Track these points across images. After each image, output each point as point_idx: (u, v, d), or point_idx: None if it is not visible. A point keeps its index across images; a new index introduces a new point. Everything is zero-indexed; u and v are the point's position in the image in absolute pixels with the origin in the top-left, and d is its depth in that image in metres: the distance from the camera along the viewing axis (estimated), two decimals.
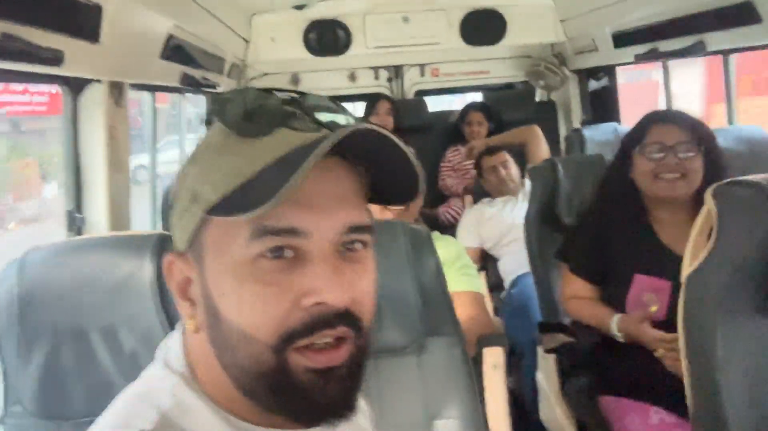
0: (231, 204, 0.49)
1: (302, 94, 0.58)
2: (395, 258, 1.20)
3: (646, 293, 1.53)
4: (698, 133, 1.57)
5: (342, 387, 0.52)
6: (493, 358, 1.22)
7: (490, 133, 3.46)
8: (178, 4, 1.87)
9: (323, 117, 0.56)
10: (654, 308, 1.48)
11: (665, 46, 2.49)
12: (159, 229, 2.10)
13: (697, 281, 1.22)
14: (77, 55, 1.27)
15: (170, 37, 1.90)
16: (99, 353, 1.02)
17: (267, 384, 0.51)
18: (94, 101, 1.57)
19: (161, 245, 1.02)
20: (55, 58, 1.09)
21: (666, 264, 1.51)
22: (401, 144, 0.52)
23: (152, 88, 2.17)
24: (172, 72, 2.07)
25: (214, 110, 0.55)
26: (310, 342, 0.50)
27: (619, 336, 1.52)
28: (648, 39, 2.60)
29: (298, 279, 0.50)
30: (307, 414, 0.52)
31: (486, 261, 2.80)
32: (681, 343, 1.26)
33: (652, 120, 1.64)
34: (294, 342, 0.50)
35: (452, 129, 3.61)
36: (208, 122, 0.59)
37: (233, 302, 0.51)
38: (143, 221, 2.36)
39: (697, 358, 1.22)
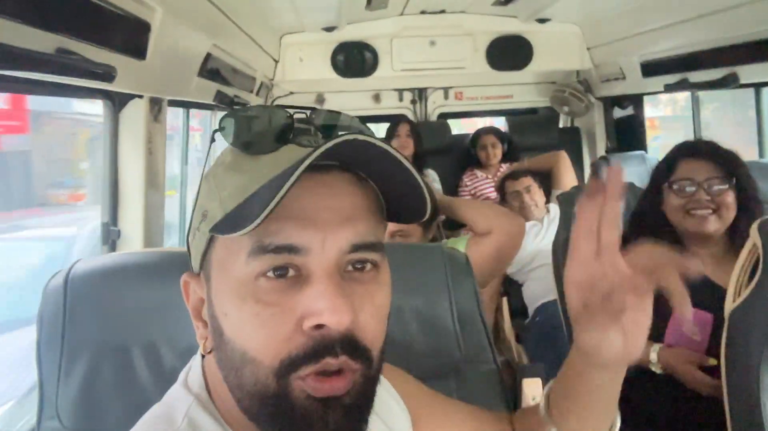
0: (230, 222, 0.48)
1: (315, 110, 0.57)
2: (434, 283, 1.19)
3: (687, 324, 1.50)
4: (729, 166, 1.55)
5: (346, 417, 0.49)
6: (532, 390, 1.20)
7: (504, 155, 3.48)
8: (217, 23, 1.90)
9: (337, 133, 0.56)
10: (696, 337, 1.45)
11: (696, 77, 2.49)
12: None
13: (742, 317, 1.20)
14: (126, 72, 1.29)
15: (208, 56, 1.93)
16: (139, 370, 1.01)
17: (268, 408, 0.49)
18: (135, 117, 1.59)
19: None
20: (108, 74, 1.10)
21: (706, 295, 1.49)
22: (403, 159, 0.50)
23: (188, 105, 2.20)
24: (208, 89, 2.10)
25: (220, 128, 0.55)
26: (313, 371, 0.48)
27: (655, 366, 1.49)
28: (678, 69, 2.60)
29: (299, 300, 0.48)
30: None
31: (508, 286, 2.78)
32: (723, 379, 1.24)
33: (682, 154, 1.61)
34: (297, 369, 0.48)
35: (469, 153, 3.63)
36: (213, 139, 0.59)
37: (235, 322, 0.50)
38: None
39: (739, 395, 1.20)
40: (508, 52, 3.41)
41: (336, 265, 0.49)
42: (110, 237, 1.59)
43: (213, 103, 2.24)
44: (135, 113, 1.59)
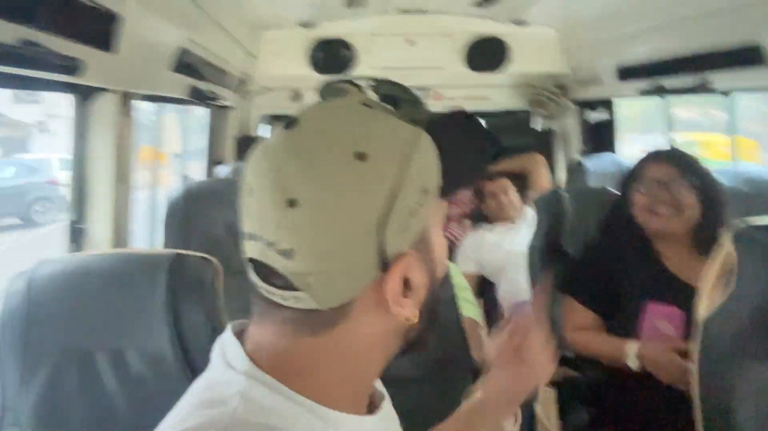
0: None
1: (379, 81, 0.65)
2: None
3: (660, 320, 1.53)
4: (692, 169, 1.64)
5: None
6: None
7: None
8: (193, 16, 1.86)
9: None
10: (670, 332, 1.48)
11: (670, 82, 2.52)
12: (159, 246, 2.05)
13: (716, 325, 1.20)
14: (93, 64, 1.25)
15: (182, 50, 1.88)
16: (104, 376, 0.97)
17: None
18: (104, 111, 1.54)
19: (177, 265, 0.99)
20: (74, 67, 1.06)
21: (676, 292, 1.55)
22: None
23: (159, 99, 2.14)
24: (181, 84, 2.05)
25: (384, 98, 0.62)
26: None
27: (635, 365, 1.50)
28: (652, 74, 2.63)
29: None
30: None
31: (483, 287, 2.78)
32: (694, 385, 1.25)
33: (649, 158, 1.71)
34: None
35: None
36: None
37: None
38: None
39: (712, 401, 1.21)
40: (486, 54, 3.43)
41: None
42: (77, 235, 1.53)
43: (187, 98, 2.19)
44: (104, 107, 1.54)
